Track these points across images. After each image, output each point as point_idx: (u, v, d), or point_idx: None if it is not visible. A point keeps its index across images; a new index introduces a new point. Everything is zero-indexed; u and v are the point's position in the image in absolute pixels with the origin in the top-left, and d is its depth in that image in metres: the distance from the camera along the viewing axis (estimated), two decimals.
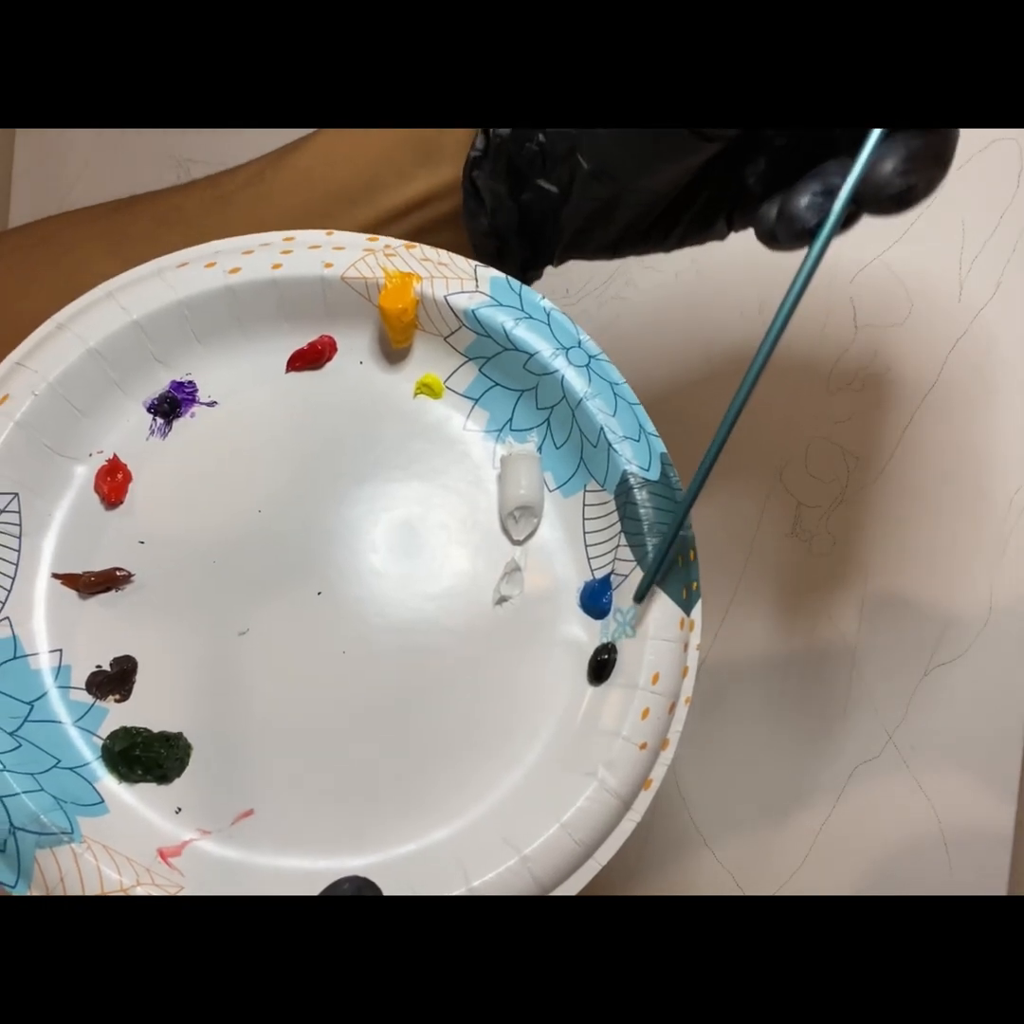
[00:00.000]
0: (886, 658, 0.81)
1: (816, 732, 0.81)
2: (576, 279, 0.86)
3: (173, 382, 0.50)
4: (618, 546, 0.49)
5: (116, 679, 0.47)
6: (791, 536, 0.83)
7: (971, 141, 0.84)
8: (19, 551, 0.47)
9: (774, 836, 0.80)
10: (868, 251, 0.84)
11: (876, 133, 0.42)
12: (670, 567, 0.47)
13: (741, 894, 0.80)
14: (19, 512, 0.47)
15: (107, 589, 0.48)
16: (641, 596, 0.47)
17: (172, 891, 0.44)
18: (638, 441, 0.49)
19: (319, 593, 0.49)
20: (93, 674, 0.47)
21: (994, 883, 0.79)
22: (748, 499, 0.84)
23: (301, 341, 0.51)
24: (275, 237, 0.50)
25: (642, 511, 0.48)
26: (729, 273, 0.84)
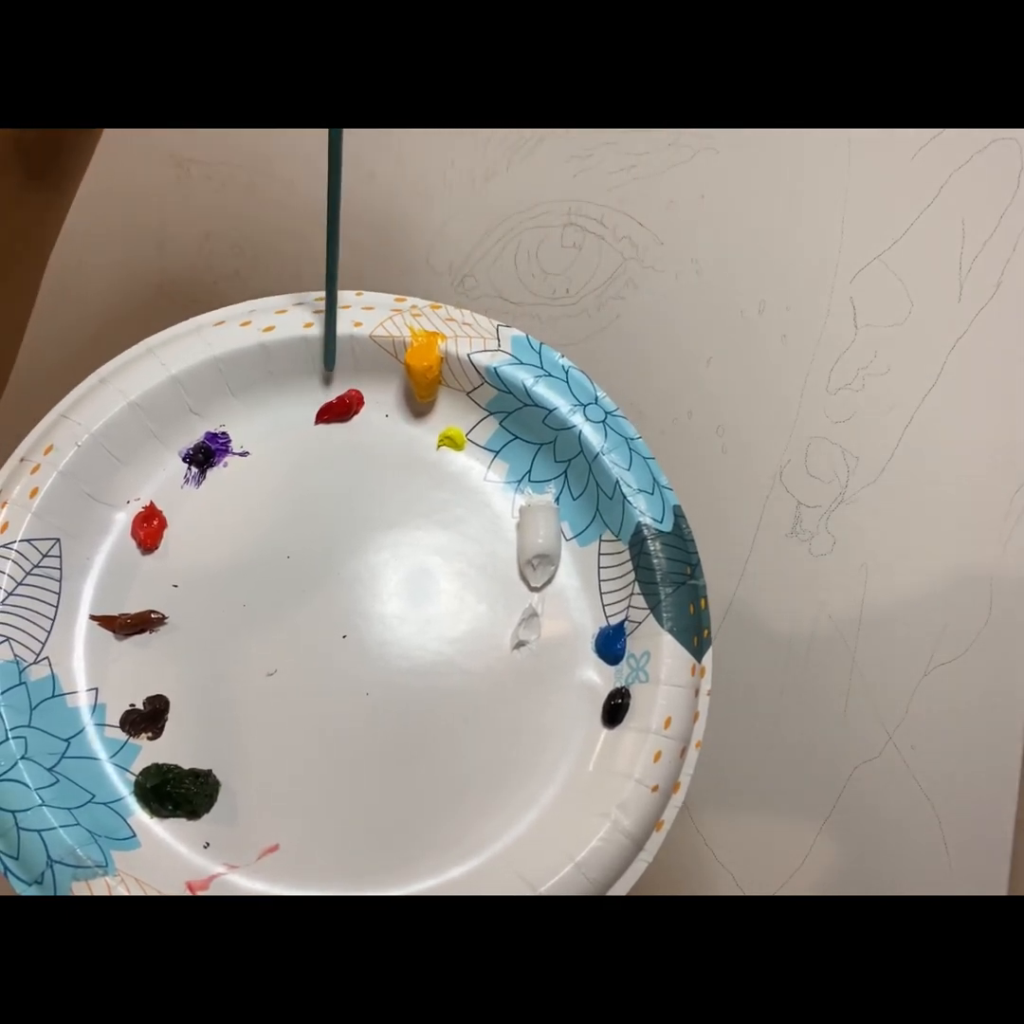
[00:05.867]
0: (886, 658, 0.81)
1: (816, 732, 0.81)
2: (576, 279, 0.85)
3: (207, 433, 0.52)
4: (632, 594, 0.51)
5: (149, 717, 0.49)
6: (791, 536, 0.83)
7: (971, 141, 0.84)
8: (59, 594, 0.49)
9: (774, 836, 0.81)
10: (868, 251, 0.83)
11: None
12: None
13: (741, 894, 0.80)
14: (60, 557, 0.48)
15: (142, 631, 0.50)
16: (331, 362, 0.51)
17: None
18: (652, 494, 0.50)
19: (344, 636, 0.50)
20: (127, 712, 0.49)
21: (994, 883, 0.79)
22: (748, 499, 0.84)
23: (330, 395, 0.53)
24: (307, 297, 0.52)
25: (655, 561, 0.50)
26: (729, 273, 0.83)
